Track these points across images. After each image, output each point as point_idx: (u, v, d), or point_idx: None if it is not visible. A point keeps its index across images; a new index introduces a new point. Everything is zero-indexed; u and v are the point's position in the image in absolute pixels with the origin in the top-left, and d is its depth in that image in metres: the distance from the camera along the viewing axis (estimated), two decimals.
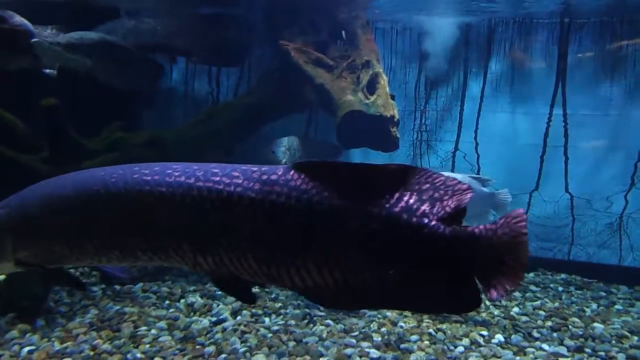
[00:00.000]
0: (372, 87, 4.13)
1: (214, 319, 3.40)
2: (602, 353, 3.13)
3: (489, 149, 4.83)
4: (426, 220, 1.34)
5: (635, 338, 3.37)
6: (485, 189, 3.68)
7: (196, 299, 3.71)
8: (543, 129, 4.64)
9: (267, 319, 3.46)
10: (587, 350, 3.18)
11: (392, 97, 4.14)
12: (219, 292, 3.91)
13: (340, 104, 4.03)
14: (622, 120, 4.51)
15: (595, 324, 3.58)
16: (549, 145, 4.64)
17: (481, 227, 1.35)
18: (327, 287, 1.39)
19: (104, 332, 3.08)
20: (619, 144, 4.52)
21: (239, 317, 3.45)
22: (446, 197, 1.38)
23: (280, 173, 1.44)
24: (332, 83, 4.26)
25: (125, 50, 4.33)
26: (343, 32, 4.62)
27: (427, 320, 3.61)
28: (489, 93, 4.83)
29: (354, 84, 4.20)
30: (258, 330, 3.25)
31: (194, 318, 3.43)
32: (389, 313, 3.70)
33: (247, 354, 2.91)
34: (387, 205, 1.35)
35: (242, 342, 3.06)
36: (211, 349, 2.95)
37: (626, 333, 3.44)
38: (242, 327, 3.28)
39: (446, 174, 3.78)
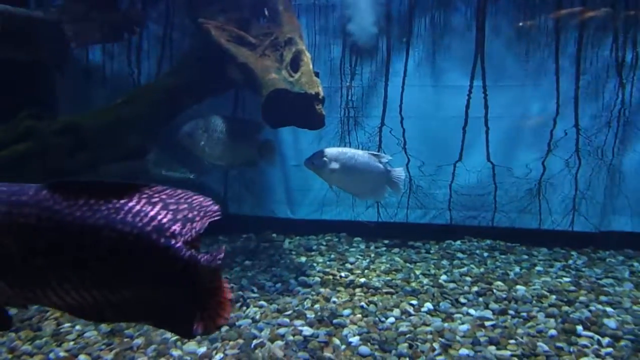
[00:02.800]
0: (295, 64, 4.07)
1: None
2: (524, 314, 3.30)
3: (414, 123, 4.91)
4: (172, 242, 1.36)
5: (554, 297, 3.57)
6: (381, 166, 3.75)
7: None
8: (464, 101, 4.77)
9: None
10: (511, 312, 3.34)
11: (317, 75, 4.10)
12: None
13: (264, 83, 3.94)
14: (537, 90, 4.70)
15: (518, 287, 3.76)
16: (470, 117, 4.78)
17: (206, 255, 1.37)
18: (89, 305, 1.38)
19: (23, 333, 2.93)
20: (536, 112, 4.72)
21: None
22: (197, 219, 1.41)
23: (31, 193, 1.38)
24: (256, 61, 4.16)
25: (28, 19, 4.03)
26: (265, 9, 4.53)
27: (359, 294, 3.67)
28: (412, 68, 4.90)
29: (278, 62, 4.13)
30: None
31: None
32: (322, 289, 3.73)
33: (178, 343, 2.85)
34: (140, 224, 1.35)
35: None
36: (140, 340, 2.87)
37: (545, 293, 3.64)
38: None
39: (347, 150, 3.82)
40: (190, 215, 1.41)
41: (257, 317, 3.21)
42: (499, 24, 4.73)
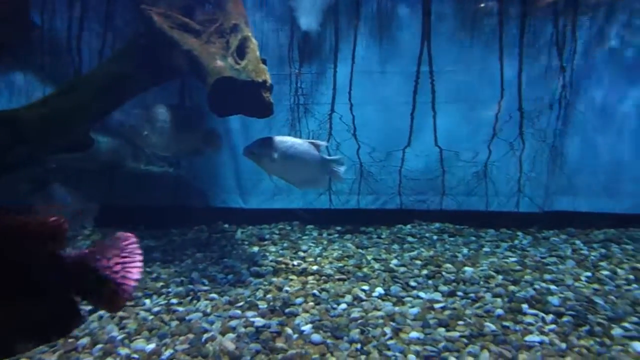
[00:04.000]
0: (242, 51, 3.99)
1: (88, 307, 3.20)
2: (472, 294, 3.38)
3: (363, 110, 4.93)
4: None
5: (500, 277, 3.67)
6: (322, 155, 3.76)
7: None
8: (412, 86, 4.81)
9: (147, 301, 3.32)
10: (459, 293, 3.42)
11: (264, 62, 4.04)
12: None
13: (210, 71, 3.86)
14: (482, 74, 4.79)
15: (466, 268, 3.85)
16: (418, 102, 4.83)
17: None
18: None
19: None
20: (481, 96, 4.81)
21: None
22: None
23: None
24: (201, 49, 4.06)
25: None
26: None
27: (312, 282, 3.68)
28: (360, 54, 4.89)
29: (224, 49, 4.04)
30: (138, 314, 3.11)
31: None
32: (274, 279, 3.71)
33: (126, 341, 2.78)
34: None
35: (120, 329, 2.92)
36: (85, 340, 2.77)
37: (492, 273, 3.73)
38: (120, 312, 3.12)
39: (287, 139, 3.79)
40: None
41: (208, 310, 3.17)
42: (445, 10, 4.77)
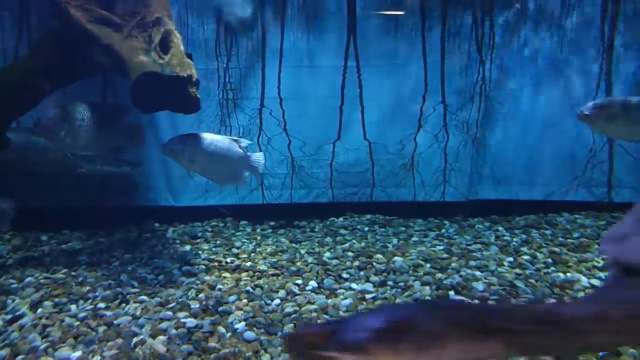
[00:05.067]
0: (165, 46, 3.87)
1: (8, 316, 3.04)
2: (402, 283, 3.48)
3: (293, 104, 4.93)
4: None
5: (428, 265, 3.80)
6: (240, 151, 3.77)
7: None
8: (340, 81, 4.86)
9: (73, 307, 3.19)
10: (390, 282, 3.51)
11: (189, 56, 3.95)
12: (15, 285, 3.51)
13: (132, 66, 3.73)
14: (407, 68, 4.91)
15: (396, 258, 3.95)
16: (346, 96, 4.90)
17: None
18: None
19: None
20: (406, 90, 4.94)
21: (39, 310, 3.13)
22: None
23: None
24: (122, 43, 3.91)
25: None
26: None
27: (245, 278, 3.66)
28: (288, 48, 4.89)
29: (146, 43, 3.91)
30: (63, 320, 2.99)
31: None
32: (207, 277, 3.67)
33: (50, 350, 2.66)
34: None
35: (43, 338, 2.79)
36: (4, 352, 2.63)
37: (421, 262, 3.85)
38: (43, 320, 2.98)
39: (206, 135, 3.76)
40: None
41: (138, 313, 3.08)
42: (369, 4, 4.85)
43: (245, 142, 3.81)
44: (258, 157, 3.85)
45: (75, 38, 4.03)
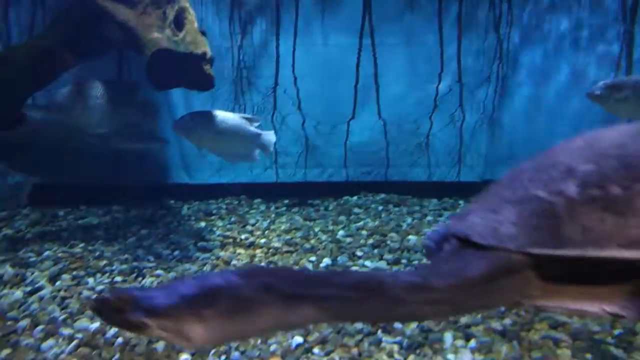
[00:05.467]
0: (179, 23, 3.87)
1: (28, 288, 3.09)
2: (416, 261, 3.48)
3: (307, 83, 4.91)
4: None
5: None
6: (252, 129, 3.77)
7: (5, 269, 3.33)
8: (355, 59, 4.83)
9: (90, 280, 3.24)
10: (403, 260, 3.51)
11: (203, 34, 3.94)
12: (34, 259, 3.57)
13: (146, 43, 3.73)
14: (423, 47, 4.86)
15: (410, 236, 3.95)
16: (361, 75, 4.86)
17: None
18: None
19: None
20: (422, 69, 4.89)
21: (58, 283, 3.18)
22: None
23: None
24: (137, 20, 3.91)
25: None
26: None
27: (259, 255, 3.69)
28: (302, 26, 4.85)
29: (160, 20, 3.90)
30: (80, 293, 3.04)
31: (4, 291, 3.08)
32: (222, 253, 3.70)
33: (68, 321, 2.71)
34: None
35: (62, 309, 2.84)
36: (25, 322, 2.69)
37: None
38: (62, 292, 3.03)
39: (217, 113, 3.76)
40: None
41: (155, 285, 3.12)
42: None
43: (256, 120, 3.81)
44: (269, 135, 3.85)
45: (90, 15, 4.03)
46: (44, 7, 4.86)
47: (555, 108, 4.96)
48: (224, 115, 3.73)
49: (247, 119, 3.76)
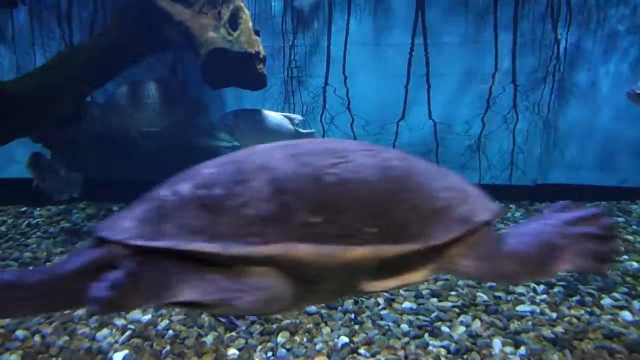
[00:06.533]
0: (234, 22, 3.95)
1: None
2: None
3: (357, 82, 4.90)
4: None
5: None
6: (292, 128, 3.77)
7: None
8: (406, 59, 4.78)
9: None
10: None
11: (257, 33, 4.00)
12: None
13: (202, 42, 3.82)
14: (477, 47, 4.76)
15: None
16: (412, 75, 4.81)
17: None
18: None
19: None
20: (475, 69, 4.79)
21: None
22: None
23: None
24: (193, 20, 4.01)
25: None
26: None
27: None
28: (354, 25, 4.84)
29: (216, 20, 3.99)
30: None
31: None
32: None
33: (122, 312, 2.80)
34: None
35: None
36: (81, 312, 2.78)
37: None
38: None
39: (260, 111, 3.77)
40: None
41: None
42: None
43: (297, 119, 3.84)
44: (310, 134, 3.87)
45: (147, 14, 4.16)
46: (105, 7, 5.03)
47: (615, 110, 4.76)
48: (266, 114, 3.78)
49: (288, 117, 3.80)
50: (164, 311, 2.82)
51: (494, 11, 4.68)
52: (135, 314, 2.78)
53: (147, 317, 2.76)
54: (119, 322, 2.70)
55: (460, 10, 4.71)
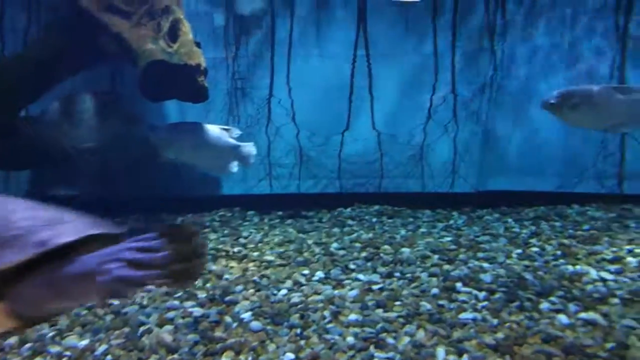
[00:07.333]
0: (174, 34, 3.88)
1: None
2: (409, 275, 3.45)
3: (301, 94, 4.91)
4: None
5: (436, 256, 3.77)
6: (231, 141, 3.74)
7: None
8: (349, 70, 4.83)
9: None
10: (397, 274, 3.49)
11: (198, 45, 3.95)
12: None
13: (140, 54, 3.73)
14: (416, 58, 4.87)
15: (404, 249, 3.93)
16: (356, 86, 4.87)
17: None
18: None
19: None
20: (416, 80, 4.89)
21: None
22: None
23: None
24: (131, 31, 3.91)
25: None
26: None
27: (252, 268, 3.66)
28: (296, 37, 4.86)
29: (155, 32, 3.91)
30: (70, 309, 3.00)
31: None
32: (214, 266, 3.67)
33: (57, 338, 2.68)
34: None
35: (51, 326, 2.80)
36: (13, 340, 2.65)
37: (428, 253, 3.83)
38: None
39: (196, 124, 3.71)
40: None
41: (145, 302, 3.09)
42: None
43: (236, 132, 3.80)
44: (248, 147, 3.83)
45: (83, 26, 4.03)
46: (39, 17, 4.85)
47: (546, 118, 4.96)
48: (202, 127, 3.72)
49: (225, 130, 3.75)
50: (102, 335, 2.71)
51: (432, 23, 4.79)
52: (72, 339, 2.66)
53: (84, 342, 2.64)
54: (54, 349, 2.58)
55: (401, 22, 4.81)
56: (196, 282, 3.39)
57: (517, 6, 4.83)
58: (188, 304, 3.05)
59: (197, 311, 2.94)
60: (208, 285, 3.35)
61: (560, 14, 4.82)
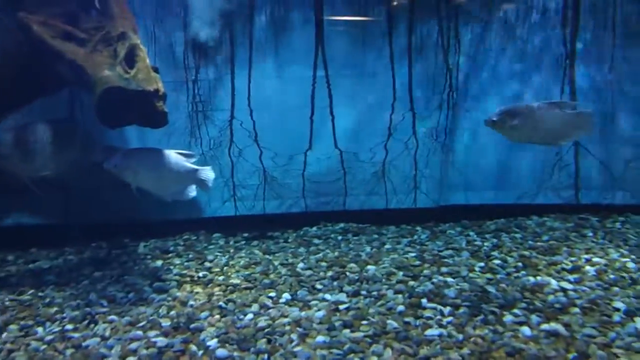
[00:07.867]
0: (131, 60, 3.83)
1: None
2: (375, 293, 3.48)
3: (263, 115, 4.93)
4: None
5: (401, 273, 3.81)
6: (188, 165, 3.72)
7: None
8: (309, 91, 4.88)
9: (40, 329, 3.11)
10: (363, 292, 3.51)
11: (156, 70, 3.91)
12: None
13: (97, 80, 3.67)
14: (378, 78, 4.96)
15: (369, 266, 3.96)
16: (316, 107, 4.92)
17: None
18: None
19: None
20: (376, 99, 4.98)
21: (4, 335, 3.04)
22: None
23: None
24: (86, 58, 3.85)
25: None
26: (96, 1, 4.20)
27: (218, 293, 3.62)
28: (257, 59, 4.89)
29: (111, 58, 3.85)
30: (29, 344, 2.91)
31: None
32: (179, 293, 3.62)
33: None
34: None
35: None
36: None
37: (394, 270, 3.87)
38: (8, 345, 2.90)
39: (152, 149, 3.68)
40: None
41: (107, 333, 3.02)
42: (336, 14, 4.89)
43: (193, 156, 3.77)
44: (206, 171, 3.79)
45: (38, 53, 3.96)
46: None
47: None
48: (158, 152, 3.68)
49: (183, 154, 3.72)
50: None
51: (389, 43, 4.90)
52: None
53: None
54: None
55: (358, 43, 4.90)
56: (160, 310, 3.33)
57: (471, 25, 4.97)
58: (152, 333, 3.00)
59: (161, 341, 2.89)
60: (172, 312, 3.29)
61: (511, 32, 5.00)
